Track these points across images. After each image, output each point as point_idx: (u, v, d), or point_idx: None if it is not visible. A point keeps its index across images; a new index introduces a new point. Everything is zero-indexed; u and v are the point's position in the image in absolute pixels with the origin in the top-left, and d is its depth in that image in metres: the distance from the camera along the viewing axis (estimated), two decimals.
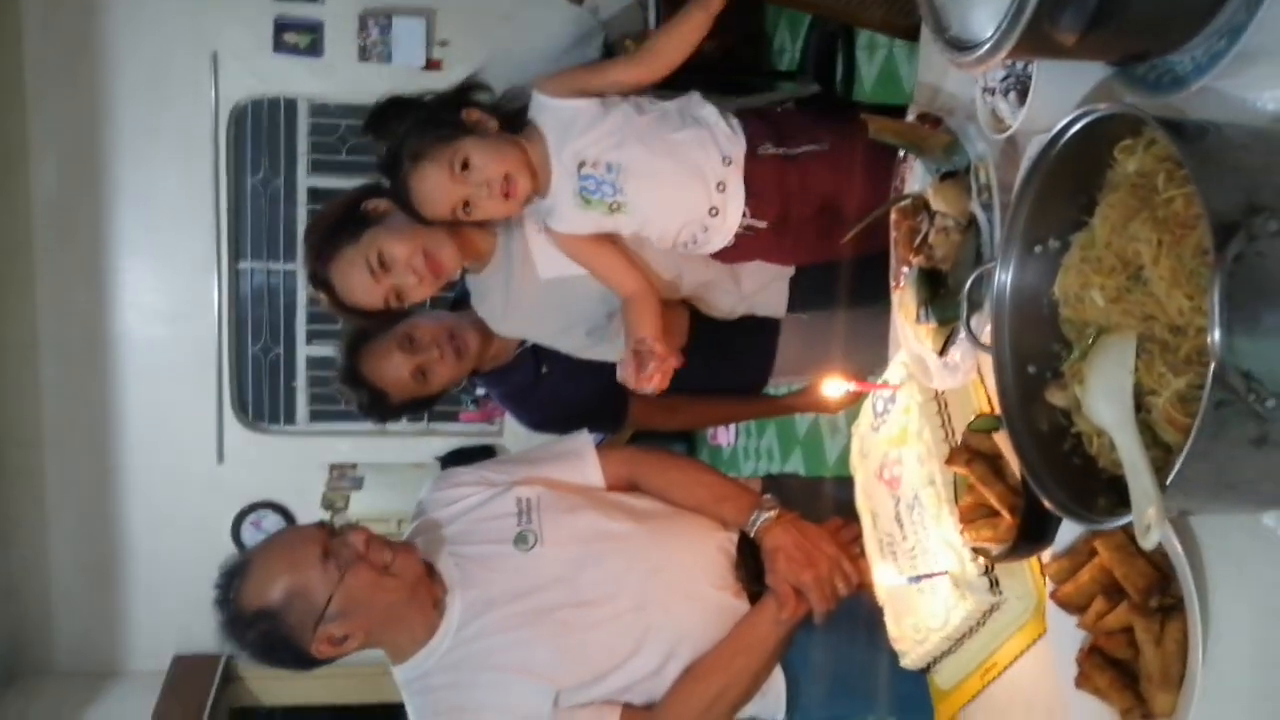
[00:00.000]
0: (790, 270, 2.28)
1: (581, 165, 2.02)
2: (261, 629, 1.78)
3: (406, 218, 2.09)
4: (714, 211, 2.04)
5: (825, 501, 2.10)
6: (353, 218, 2.13)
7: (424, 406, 2.50)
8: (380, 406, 2.42)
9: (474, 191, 1.98)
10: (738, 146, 2.03)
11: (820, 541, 1.92)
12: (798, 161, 2.07)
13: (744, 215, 2.06)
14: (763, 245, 2.13)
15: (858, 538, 1.87)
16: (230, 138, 6.64)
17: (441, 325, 2.36)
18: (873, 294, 1.86)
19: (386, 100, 2.09)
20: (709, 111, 2.05)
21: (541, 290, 2.21)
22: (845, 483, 1.97)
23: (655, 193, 2.03)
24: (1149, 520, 0.88)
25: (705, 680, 1.87)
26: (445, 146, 1.96)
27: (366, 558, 1.79)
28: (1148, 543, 0.89)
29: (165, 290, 6.72)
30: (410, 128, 2.00)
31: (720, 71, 2.19)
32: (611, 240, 2.13)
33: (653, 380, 2.01)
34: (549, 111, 2.04)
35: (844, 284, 2.20)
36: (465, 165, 1.96)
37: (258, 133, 6.79)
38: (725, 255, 2.15)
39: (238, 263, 6.87)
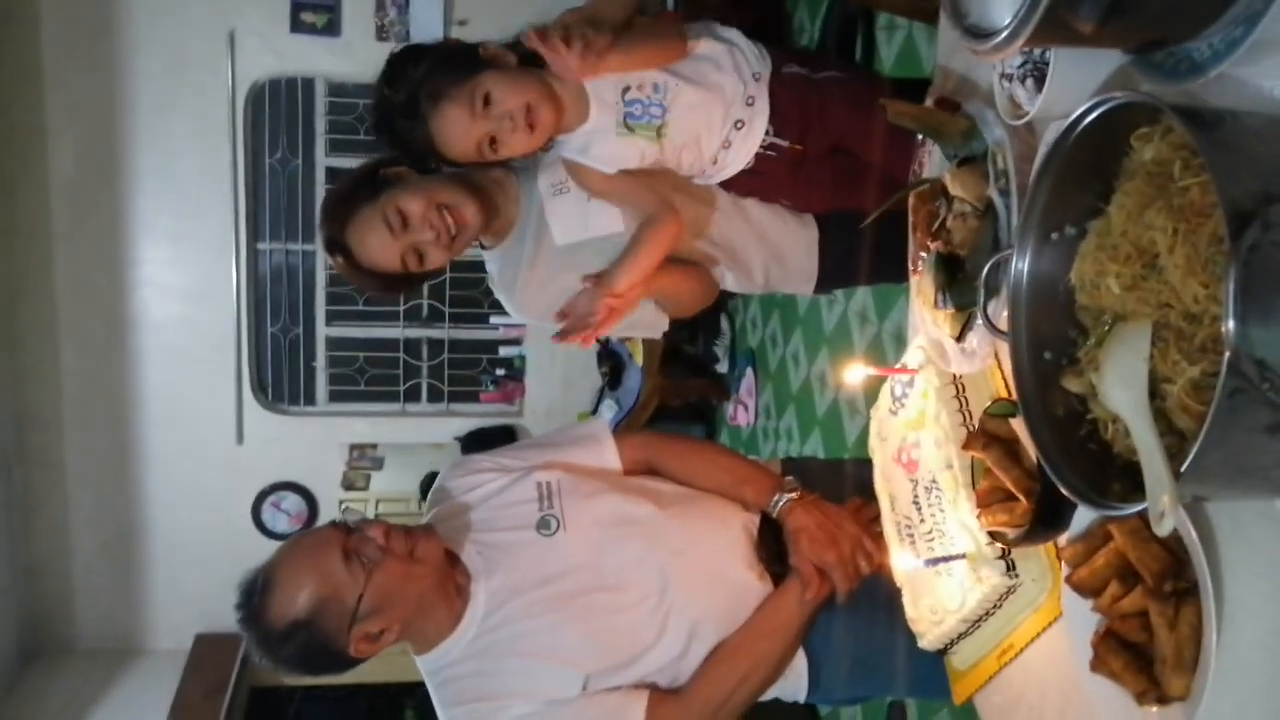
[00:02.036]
0: (815, 236, 2.30)
1: (626, 91, 2.04)
2: (298, 641, 1.75)
3: (423, 179, 2.09)
4: (739, 125, 2.08)
5: (845, 482, 2.10)
6: (370, 181, 2.11)
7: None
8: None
9: (497, 126, 1.99)
10: (764, 64, 2.10)
11: (842, 521, 1.93)
12: (820, 85, 2.13)
13: (767, 132, 2.09)
14: (779, 174, 2.16)
15: (878, 517, 1.88)
16: (248, 117, 6.63)
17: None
18: (894, 274, 1.87)
19: (402, 49, 2.09)
20: (734, 32, 2.11)
21: (559, 258, 2.20)
22: (865, 463, 1.97)
23: (696, 109, 2.06)
24: (1163, 507, 0.89)
25: (731, 662, 1.87)
26: (464, 83, 1.96)
27: (389, 549, 1.77)
28: (1162, 530, 0.89)
29: (184, 271, 6.73)
30: (427, 70, 1.99)
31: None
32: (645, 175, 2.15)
33: (585, 335, 2.06)
34: None
35: (867, 262, 2.23)
36: (486, 100, 1.96)
37: (275, 112, 6.78)
38: (740, 182, 2.18)
39: (256, 243, 6.88)
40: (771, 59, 2.11)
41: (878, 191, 2.04)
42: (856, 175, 2.16)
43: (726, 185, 2.20)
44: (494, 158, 2.04)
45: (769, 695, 1.96)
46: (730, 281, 2.32)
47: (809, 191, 2.21)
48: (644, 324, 2.31)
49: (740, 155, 2.12)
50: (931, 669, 1.79)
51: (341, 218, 2.10)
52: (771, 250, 2.29)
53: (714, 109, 2.07)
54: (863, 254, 2.25)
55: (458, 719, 1.85)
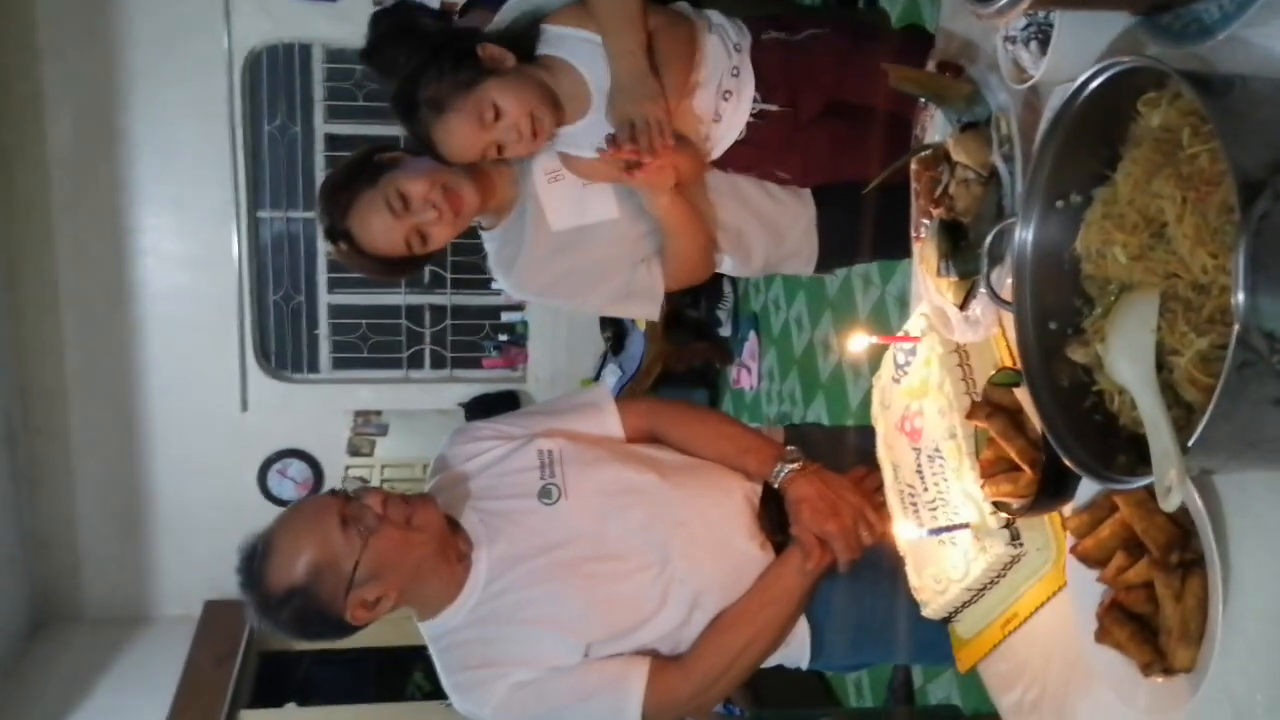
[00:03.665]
0: (813, 213, 2.27)
1: None
2: (294, 606, 1.77)
3: (421, 161, 2.09)
4: (727, 95, 2.08)
5: (848, 451, 2.09)
6: (367, 167, 2.11)
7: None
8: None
9: (504, 137, 1.99)
10: (745, 36, 2.10)
11: (844, 491, 1.92)
12: (802, 46, 2.11)
13: (755, 99, 2.09)
14: (775, 141, 2.14)
15: (880, 487, 1.87)
16: (245, 85, 6.60)
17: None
18: (896, 250, 1.85)
19: (385, 22, 2.08)
20: (711, 11, 2.11)
21: (555, 242, 2.20)
22: (868, 431, 1.96)
23: (690, 89, 2.05)
24: (1170, 481, 0.88)
25: (732, 631, 1.88)
26: (468, 94, 1.95)
27: (386, 517, 1.78)
28: (1169, 505, 0.88)
29: (185, 240, 6.72)
30: (423, 66, 1.98)
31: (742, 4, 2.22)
32: None
33: (645, 164, 1.97)
34: (572, 42, 2.04)
35: (868, 238, 2.21)
36: (495, 112, 1.96)
37: (273, 79, 6.74)
38: (736, 154, 2.16)
39: (257, 211, 6.86)
40: (749, 29, 2.10)
41: (878, 158, 2.01)
42: (855, 141, 2.14)
43: (723, 162, 2.18)
44: (495, 158, 2.05)
45: (772, 662, 1.96)
46: (728, 265, 2.32)
47: (807, 160, 2.19)
48: (641, 294, 2.29)
49: (732, 126, 2.10)
50: (935, 636, 1.79)
51: (342, 205, 2.10)
52: (769, 228, 2.27)
53: (705, 86, 2.06)
54: (863, 229, 2.23)
55: (460, 685, 1.86)
